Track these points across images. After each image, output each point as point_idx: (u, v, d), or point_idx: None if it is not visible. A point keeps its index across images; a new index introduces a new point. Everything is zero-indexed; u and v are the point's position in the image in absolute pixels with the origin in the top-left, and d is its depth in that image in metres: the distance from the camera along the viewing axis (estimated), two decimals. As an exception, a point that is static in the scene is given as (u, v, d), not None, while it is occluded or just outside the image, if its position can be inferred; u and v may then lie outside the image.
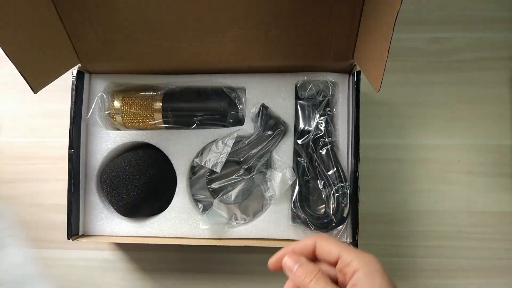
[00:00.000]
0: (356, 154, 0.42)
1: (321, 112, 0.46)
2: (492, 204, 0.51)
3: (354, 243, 0.42)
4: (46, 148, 0.54)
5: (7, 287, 0.50)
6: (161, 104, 0.46)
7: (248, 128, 0.46)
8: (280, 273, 0.54)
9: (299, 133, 0.46)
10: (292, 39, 0.41)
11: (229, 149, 0.44)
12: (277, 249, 0.51)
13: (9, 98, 0.55)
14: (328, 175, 0.44)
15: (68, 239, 0.44)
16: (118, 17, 0.40)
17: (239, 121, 0.47)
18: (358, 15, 0.39)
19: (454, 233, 0.51)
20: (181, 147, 0.46)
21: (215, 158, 0.44)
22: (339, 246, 0.30)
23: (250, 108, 0.46)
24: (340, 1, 0.38)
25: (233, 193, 0.46)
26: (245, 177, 0.46)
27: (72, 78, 0.45)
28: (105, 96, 0.47)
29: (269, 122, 0.45)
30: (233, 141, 0.45)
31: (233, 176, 0.46)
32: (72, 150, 0.45)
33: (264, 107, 0.45)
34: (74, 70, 0.45)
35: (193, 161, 0.47)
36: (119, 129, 0.48)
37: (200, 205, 0.47)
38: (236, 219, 0.47)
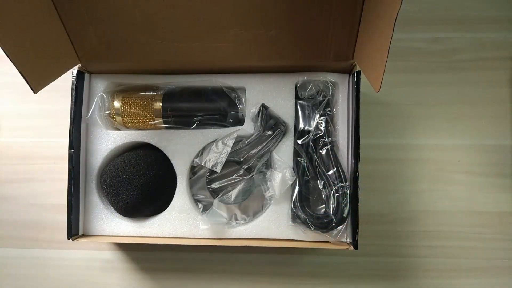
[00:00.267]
0: (356, 154, 0.42)
1: (321, 112, 0.46)
2: (492, 204, 0.51)
3: (354, 243, 0.42)
4: (46, 148, 0.54)
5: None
6: (161, 104, 0.46)
7: (248, 128, 0.46)
8: (280, 274, 0.54)
9: (299, 133, 0.46)
10: (292, 39, 0.41)
11: (229, 149, 0.44)
12: (277, 249, 0.51)
13: (9, 98, 0.55)
14: (328, 175, 0.44)
15: (68, 239, 0.44)
16: (118, 17, 0.40)
17: (239, 121, 0.47)
18: (358, 15, 0.39)
19: (454, 233, 0.51)
20: (181, 147, 0.46)
21: (215, 158, 0.44)
22: None
23: (250, 108, 0.46)
24: (340, 1, 0.38)
25: (233, 193, 0.46)
26: (245, 177, 0.46)
27: (72, 78, 0.45)
28: (105, 96, 0.47)
29: (269, 122, 0.45)
30: (233, 141, 0.45)
31: (233, 176, 0.46)
32: (72, 150, 0.45)
33: (264, 107, 0.45)
34: (74, 70, 0.45)
35: (193, 161, 0.47)
36: (119, 129, 0.48)
37: (200, 205, 0.47)
38: (236, 219, 0.47)
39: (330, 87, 0.46)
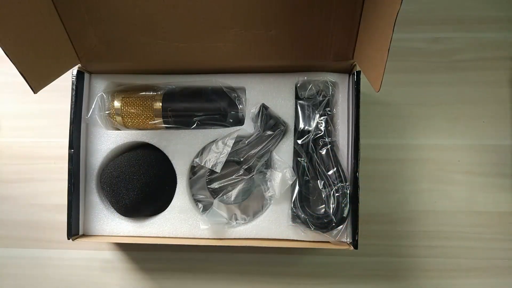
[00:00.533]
0: (356, 154, 0.42)
1: (321, 112, 0.46)
2: (492, 204, 0.51)
3: (354, 243, 0.42)
4: (46, 148, 0.54)
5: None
6: (161, 104, 0.46)
7: (248, 128, 0.46)
8: (280, 273, 0.54)
9: (299, 133, 0.46)
10: (292, 39, 0.41)
11: (229, 149, 0.44)
12: (277, 249, 0.51)
13: (9, 98, 0.55)
14: (328, 175, 0.44)
15: (68, 239, 0.44)
16: (118, 17, 0.40)
17: (239, 121, 0.47)
18: (358, 15, 0.39)
19: (454, 233, 0.51)
20: (181, 147, 0.46)
21: (215, 158, 0.44)
22: None
23: (250, 108, 0.46)
24: (340, 1, 0.38)
25: (233, 193, 0.46)
26: (245, 177, 0.46)
27: (72, 78, 0.45)
28: (105, 96, 0.47)
29: (269, 122, 0.45)
30: (233, 141, 0.45)
31: (233, 176, 0.46)
32: (72, 150, 0.44)
33: (264, 107, 0.45)
34: (74, 70, 0.45)
35: (193, 161, 0.47)
36: (119, 129, 0.48)
37: (200, 205, 0.47)
38: (236, 219, 0.47)
39: (330, 87, 0.46)
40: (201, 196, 0.48)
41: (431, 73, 0.54)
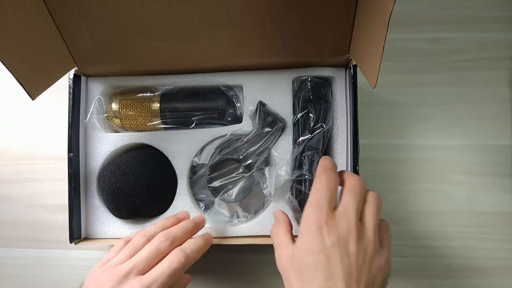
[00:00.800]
0: (356, 148, 0.42)
1: (318, 107, 0.45)
2: (492, 204, 0.51)
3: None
4: (46, 148, 0.54)
5: None
6: (158, 105, 0.46)
7: (247, 126, 0.46)
8: (279, 273, 0.53)
9: (298, 130, 0.45)
10: (287, 36, 0.41)
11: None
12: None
13: (9, 97, 0.56)
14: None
15: (71, 242, 0.44)
16: (112, 19, 0.40)
17: (237, 119, 0.47)
18: (353, 10, 0.39)
19: (454, 233, 0.51)
20: (181, 147, 0.46)
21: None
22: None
23: (248, 105, 0.46)
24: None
25: (234, 191, 0.46)
26: (245, 174, 0.46)
27: (69, 82, 0.45)
28: (102, 99, 0.47)
29: (267, 119, 0.45)
30: None
31: (233, 174, 0.46)
32: (72, 154, 0.45)
33: (261, 104, 0.45)
34: (71, 74, 0.45)
35: (192, 160, 0.47)
36: (117, 132, 0.48)
37: (201, 204, 0.47)
38: (238, 217, 0.47)
39: (327, 82, 0.46)
40: (202, 196, 0.48)
41: (431, 73, 0.54)
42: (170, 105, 0.46)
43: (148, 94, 0.47)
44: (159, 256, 0.37)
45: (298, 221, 0.44)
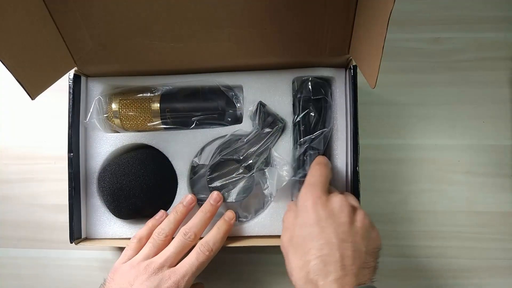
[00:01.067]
0: (356, 148, 0.42)
1: (318, 107, 0.45)
2: (492, 204, 0.51)
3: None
4: (46, 148, 0.54)
5: None
6: (158, 105, 0.46)
7: (247, 126, 0.46)
8: (280, 273, 0.54)
9: (298, 130, 0.45)
10: (287, 36, 0.41)
11: None
12: (277, 249, 0.50)
13: (8, 97, 0.56)
14: None
15: (71, 243, 0.44)
16: (113, 20, 0.40)
17: (237, 120, 0.47)
18: (353, 9, 0.39)
19: (454, 233, 0.51)
20: (181, 148, 0.46)
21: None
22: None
23: (248, 106, 0.46)
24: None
25: (234, 192, 0.46)
26: (245, 175, 0.46)
27: (69, 82, 0.45)
28: (102, 99, 0.47)
29: (267, 119, 0.45)
30: None
31: (233, 175, 0.46)
32: (72, 154, 0.45)
33: (261, 105, 0.45)
34: (71, 74, 0.45)
35: (192, 161, 0.47)
36: (117, 132, 0.48)
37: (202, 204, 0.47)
38: (238, 217, 0.47)
39: (327, 82, 0.46)
40: (202, 196, 0.48)
41: (431, 73, 0.54)
42: (170, 105, 0.46)
43: (148, 94, 0.47)
44: (185, 250, 0.41)
45: None
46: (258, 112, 0.45)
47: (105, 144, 0.47)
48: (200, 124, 0.46)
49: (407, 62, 0.54)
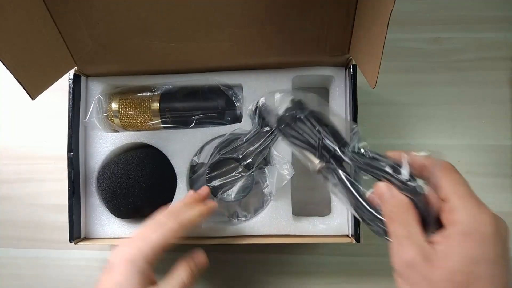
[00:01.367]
0: None
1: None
2: (492, 204, 0.50)
3: (356, 236, 0.42)
4: (46, 148, 0.54)
5: None
6: (158, 104, 0.46)
7: (246, 125, 0.46)
8: (280, 273, 0.53)
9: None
10: (287, 36, 0.41)
11: None
12: (277, 248, 0.51)
13: (8, 97, 0.56)
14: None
15: (70, 242, 0.44)
16: (113, 20, 0.40)
17: (237, 119, 0.47)
18: (353, 9, 0.39)
19: (454, 233, 0.51)
20: (180, 147, 0.46)
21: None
22: (453, 187, 0.28)
23: (247, 105, 0.46)
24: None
25: (233, 191, 0.46)
26: (244, 174, 0.46)
27: (69, 81, 0.45)
28: (102, 98, 0.47)
29: (267, 118, 0.45)
30: None
31: (233, 174, 0.46)
32: (71, 154, 0.45)
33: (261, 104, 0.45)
34: (71, 74, 0.45)
35: (192, 160, 0.47)
36: (117, 131, 0.48)
37: (201, 203, 0.47)
38: (238, 217, 0.47)
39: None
40: (201, 195, 0.48)
41: (431, 73, 0.54)
42: (170, 104, 0.46)
43: (148, 93, 0.47)
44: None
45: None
46: (257, 111, 0.45)
47: (105, 143, 0.47)
48: (200, 123, 0.47)
49: (407, 62, 0.54)
